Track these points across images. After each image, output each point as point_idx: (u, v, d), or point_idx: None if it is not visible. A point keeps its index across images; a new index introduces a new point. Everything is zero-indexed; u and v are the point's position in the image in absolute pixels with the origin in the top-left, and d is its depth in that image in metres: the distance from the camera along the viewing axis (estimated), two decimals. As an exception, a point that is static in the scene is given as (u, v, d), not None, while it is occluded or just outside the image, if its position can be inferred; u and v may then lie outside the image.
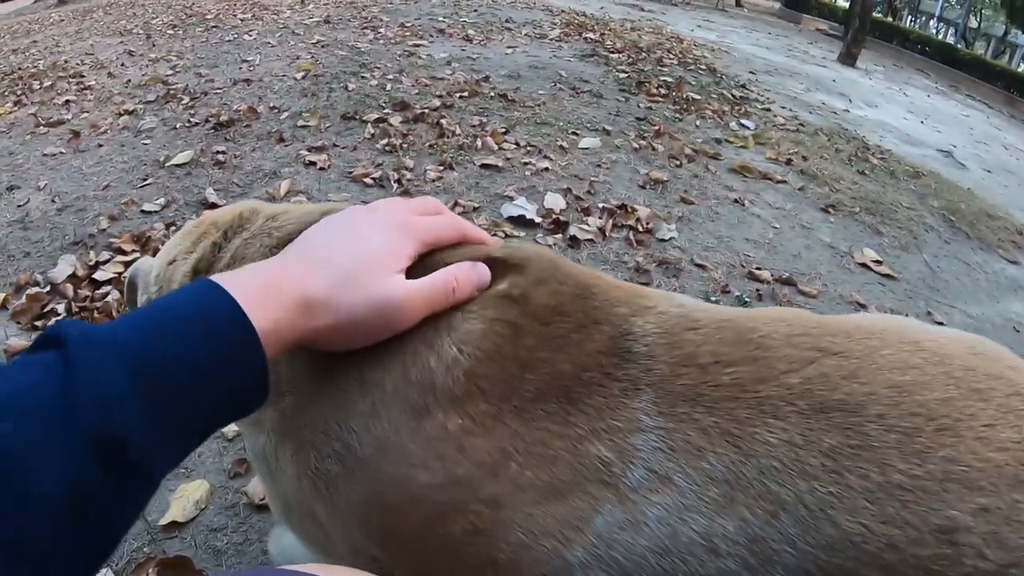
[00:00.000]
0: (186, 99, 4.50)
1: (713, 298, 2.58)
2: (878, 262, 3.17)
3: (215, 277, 0.52)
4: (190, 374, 0.46)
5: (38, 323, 2.28)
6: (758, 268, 2.83)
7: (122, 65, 5.93)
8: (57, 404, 0.40)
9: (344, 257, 0.60)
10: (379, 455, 0.66)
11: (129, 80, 5.29)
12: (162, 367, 0.45)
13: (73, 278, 2.50)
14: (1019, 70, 19.55)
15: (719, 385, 0.60)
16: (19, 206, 3.15)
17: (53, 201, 3.15)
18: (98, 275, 2.50)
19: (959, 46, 20.44)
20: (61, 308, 2.33)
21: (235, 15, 7.74)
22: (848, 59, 10.81)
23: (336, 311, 0.57)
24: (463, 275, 0.65)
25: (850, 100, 7.29)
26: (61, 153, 3.80)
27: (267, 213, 0.89)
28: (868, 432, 0.56)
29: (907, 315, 2.73)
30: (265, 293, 0.52)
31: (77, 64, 6.17)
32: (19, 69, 6.32)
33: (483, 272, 0.67)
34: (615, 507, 0.59)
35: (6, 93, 5.40)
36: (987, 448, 0.54)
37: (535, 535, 0.61)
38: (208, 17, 7.72)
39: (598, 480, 0.60)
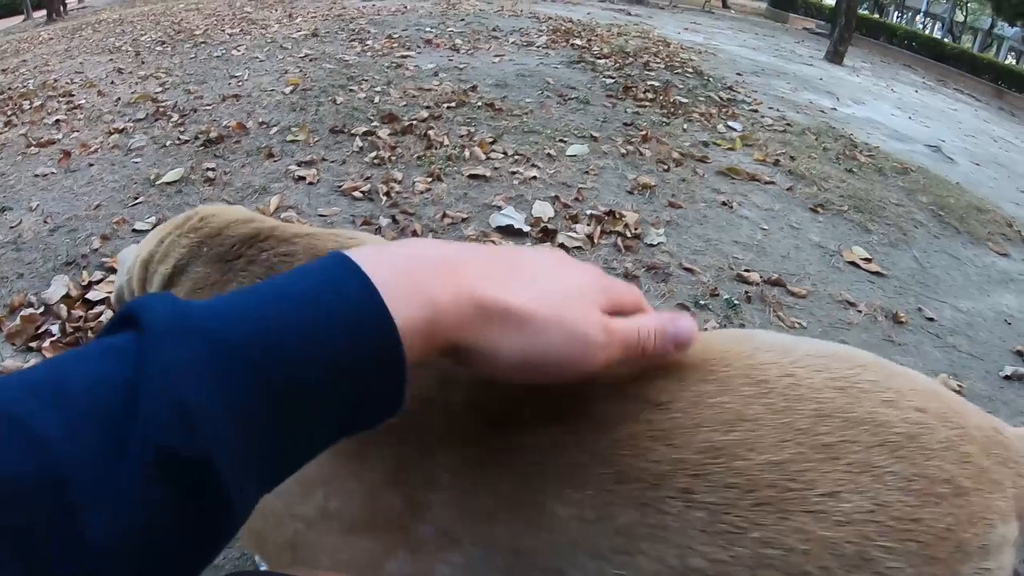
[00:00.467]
0: (175, 116, 4.51)
1: (702, 301, 2.59)
2: (867, 260, 3.18)
3: (352, 254, 0.41)
4: (306, 377, 0.37)
5: (33, 344, 2.28)
6: (747, 270, 2.84)
7: (111, 83, 5.93)
8: (120, 410, 0.32)
9: (542, 275, 0.48)
10: None
11: (119, 98, 5.29)
12: (271, 365, 0.36)
13: (67, 298, 2.50)
14: (1006, 63, 19.62)
15: (522, 446, 0.56)
16: (11, 227, 3.15)
17: (45, 222, 3.15)
18: (91, 295, 2.50)
19: (946, 40, 20.50)
20: (55, 329, 2.33)
21: (223, 30, 7.76)
22: (835, 57, 10.83)
23: (531, 328, 0.45)
24: (663, 328, 0.53)
25: (837, 98, 7.31)
26: (52, 173, 3.79)
27: (202, 213, 0.95)
28: (666, 510, 0.49)
29: (897, 312, 2.75)
30: (432, 274, 0.42)
31: (67, 83, 6.17)
32: (9, 89, 6.32)
33: (685, 330, 0.54)
34: (407, 557, 0.59)
35: (-5, 113, 5.40)
36: (820, 525, 0.47)
37: (339, 565, 0.61)
38: (196, 33, 7.74)
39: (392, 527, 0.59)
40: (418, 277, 0.41)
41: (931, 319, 2.83)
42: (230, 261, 0.85)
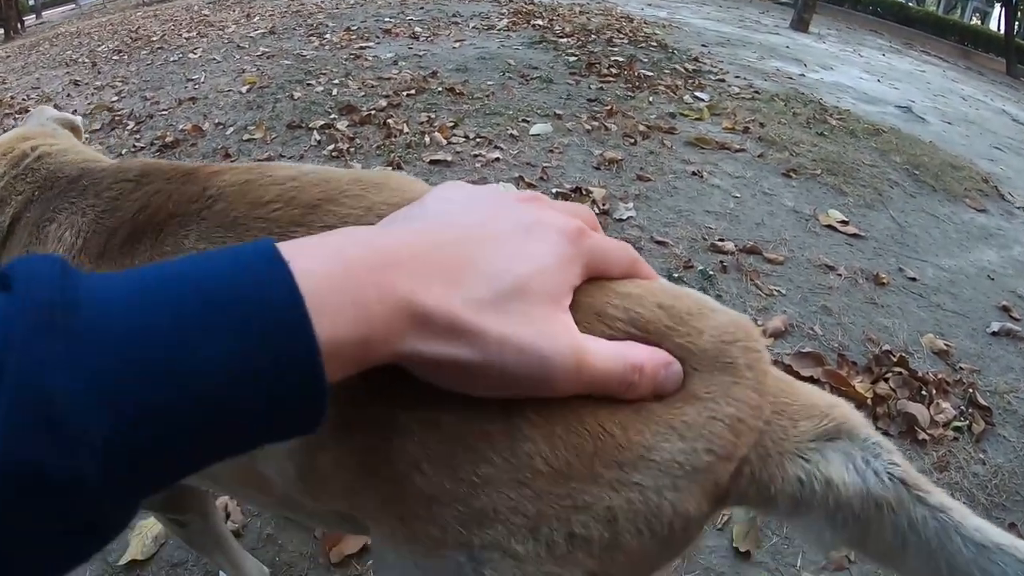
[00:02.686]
0: (131, 124, 4.40)
1: (676, 275, 2.50)
2: (844, 222, 3.11)
3: (284, 247, 0.34)
4: (198, 390, 0.30)
5: None
6: (721, 240, 2.76)
7: (68, 95, 5.82)
8: None
9: (499, 264, 0.39)
10: None
11: (75, 110, 5.14)
12: (160, 372, 0.29)
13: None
14: (971, 23, 19.71)
15: (261, 219, 0.62)
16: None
17: None
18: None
19: (910, 4, 20.57)
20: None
21: (180, 35, 7.62)
22: (800, 25, 10.80)
23: (477, 343, 0.37)
24: (652, 367, 0.43)
25: (805, 64, 7.26)
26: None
27: (39, 151, 0.95)
28: None
29: (878, 274, 2.68)
30: (368, 278, 0.35)
31: (23, 99, 6.04)
32: (-32, 107, 6.18)
33: (675, 374, 0.45)
34: None
35: (-45, 133, 5.26)
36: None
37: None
38: (153, 40, 7.58)
39: None
40: (352, 283, 0.34)
41: (913, 279, 2.77)
42: (47, 191, 0.88)
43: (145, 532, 1.58)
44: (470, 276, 0.38)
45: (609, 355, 0.42)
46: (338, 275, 0.34)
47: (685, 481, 0.45)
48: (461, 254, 0.38)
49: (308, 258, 0.34)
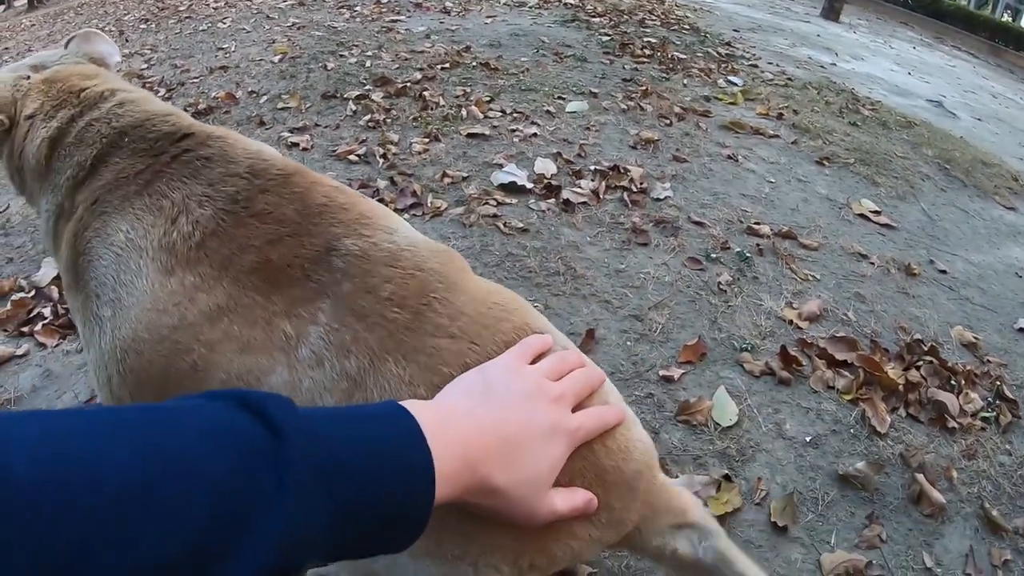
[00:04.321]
0: (163, 91, 4.40)
1: (714, 255, 2.53)
2: (876, 212, 3.12)
3: (426, 429, 0.53)
4: (373, 525, 0.48)
5: (24, 329, 2.20)
6: (756, 223, 2.78)
7: (94, 63, 5.81)
8: (268, 507, 0.39)
9: (531, 459, 0.62)
10: (139, 302, 0.86)
11: (104, 75, 5.18)
12: (353, 521, 0.46)
13: (57, 280, 2.41)
14: (1002, 20, 19.45)
15: (383, 317, 0.79)
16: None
17: (33, 206, 3.06)
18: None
19: (941, -2, 20.29)
20: (47, 311, 2.26)
21: (208, 4, 7.58)
22: (831, 14, 10.72)
23: (503, 499, 0.60)
24: (584, 503, 0.72)
25: (836, 54, 7.21)
26: (37, 155, 3.69)
27: (119, 98, 1.06)
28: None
29: (909, 264, 2.70)
30: (460, 467, 0.54)
31: (50, 67, 6.04)
32: (-8, 76, 6.20)
33: (594, 504, 0.74)
34: (284, 371, 0.79)
35: (-22, 102, 5.29)
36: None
37: (232, 378, 0.80)
38: (180, 9, 7.57)
39: (280, 348, 0.80)
40: (458, 465, 0.54)
41: (943, 271, 2.78)
42: (154, 156, 0.97)
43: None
44: (516, 466, 0.60)
45: (566, 504, 0.68)
46: (452, 458, 0.53)
47: (600, 533, 0.77)
48: (512, 451, 0.60)
49: (438, 443, 0.52)
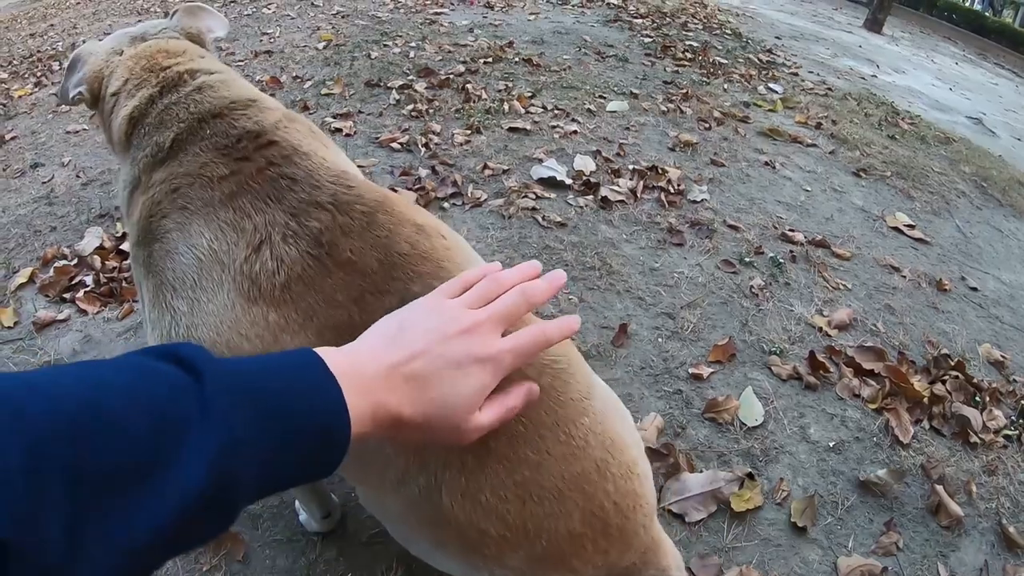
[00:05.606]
0: (207, 73, 4.46)
1: (747, 259, 2.56)
2: (911, 226, 3.13)
3: (336, 370, 0.55)
4: (293, 453, 0.51)
5: (66, 295, 2.29)
6: (791, 230, 2.81)
7: (140, 42, 5.90)
8: (195, 427, 0.44)
9: (443, 394, 0.63)
10: (219, 315, 0.88)
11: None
12: (270, 435, 0.49)
13: (100, 250, 2.51)
14: (1048, 38, 19.10)
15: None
16: (44, 183, 3.16)
17: (78, 176, 3.16)
18: (125, 246, 2.48)
19: (987, 14, 19.98)
20: (89, 280, 2.35)
21: (253, -12, 7.66)
22: (874, 25, 10.62)
23: (424, 432, 0.63)
24: (519, 400, 0.71)
25: (877, 66, 7.16)
26: (84, 129, 3.80)
27: (199, 82, 1.07)
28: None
29: (940, 280, 2.71)
30: (370, 404, 0.57)
31: (96, 44, 6.14)
32: (38, 52, 6.34)
33: (536, 393, 0.74)
34: None
35: (26, 75, 5.43)
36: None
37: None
38: (226, -9, 7.65)
39: None
40: (364, 388, 0.57)
41: (975, 289, 2.79)
42: (238, 160, 0.97)
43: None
44: (426, 400, 0.61)
45: (493, 418, 0.67)
46: (359, 394, 0.56)
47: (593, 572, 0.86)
48: (420, 387, 0.61)
49: (346, 381, 0.55)
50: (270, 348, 0.86)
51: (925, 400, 2.04)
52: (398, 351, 0.63)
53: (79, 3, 9.75)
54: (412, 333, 0.65)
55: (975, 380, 2.17)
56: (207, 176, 0.95)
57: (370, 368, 0.60)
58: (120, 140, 1.08)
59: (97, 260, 2.45)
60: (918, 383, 2.09)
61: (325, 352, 0.57)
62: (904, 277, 2.70)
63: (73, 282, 2.36)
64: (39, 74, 5.35)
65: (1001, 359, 2.37)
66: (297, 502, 1.53)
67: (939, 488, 1.76)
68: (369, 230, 0.90)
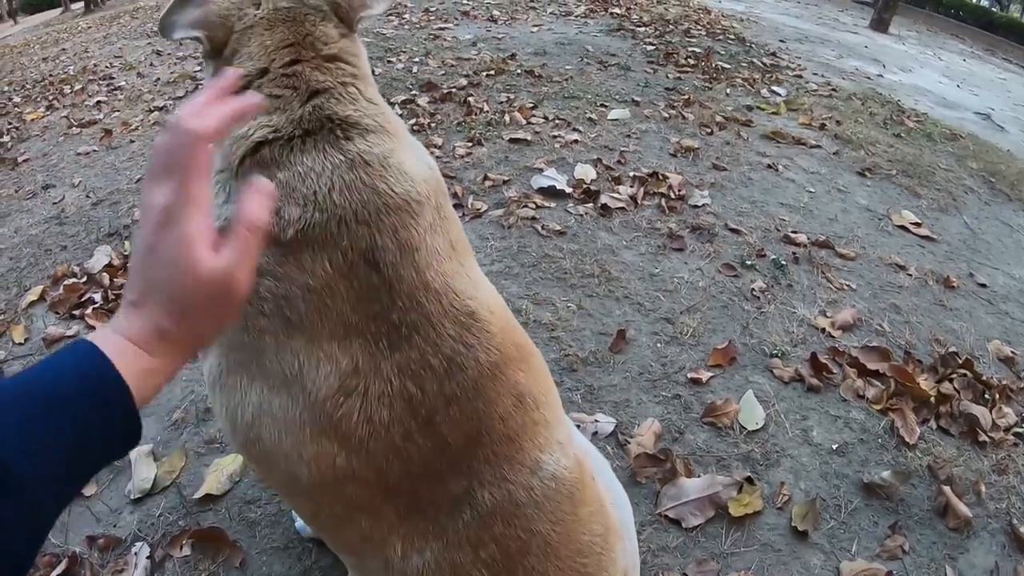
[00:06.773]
0: (216, 86, 4.52)
1: (749, 262, 2.55)
2: (917, 224, 3.10)
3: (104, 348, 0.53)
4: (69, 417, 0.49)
5: (76, 312, 2.34)
6: (794, 232, 2.79)
7: (151, 65, 6.03)
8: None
9: (157, 272, 0.57)
10: (283, 431, 0.81)
11: (158, 78, 5.37)
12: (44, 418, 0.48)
13: (109, 267, 2.56)
14: (1059, 32, 18.95)
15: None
16: (55, 203, 3.23)
17: (88, 196, 3.22)
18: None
19: (994, 10, 19.87)
20: (98, 296, 2.39)
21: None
22: (880, 25, 10.58)
23: (182, 315, 0.57)
24: (246, 217, 0.59)
25: (883, 65, 7.13)
26: (94, 151, 3.88)
27: (355, 153, 0.82)
28: None
29: (948, 277, 2.68)
30: (137, 362, 0.55)
31: (106, 67, 6.28)
32: (50, 76, 6.47)
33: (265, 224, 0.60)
34: (380, 566, 0.86)
35: (38, 99, 5.55)
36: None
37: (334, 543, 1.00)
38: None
39: (380, 555, 0.86)
40: (114, 329, 0.55)
41: (983, 285, 2.76)
42: (365, 301, 0.80)
43: (221, 469, 1.68)
44: (154, 288, 0.56)
45: (229, 245, 0.58)
46: (112, 333, 0.55)
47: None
48: (145, 285, 0.57)
49: (118, 355, 0.53)
50: (328, 485, 0.82)
51: (932, 399, 2.02)
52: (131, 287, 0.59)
53: (90, 27, 9.92)
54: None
55: (984, 377, 2.15)
56: (326, 304, 0.79)
57: (123, 327, 0.56)
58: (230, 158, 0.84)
59: (106, 277, 2.49)
60: (924, 382, 2.07)
61: (93, 334, 0.56)
62: (910, 275, 2.67)
63: (82, 299, 2.40)
64: (51, 97, 5.46)
65: (1012, 355, 2.34)
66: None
67: (946, 489, 1.73)
68: (471, 402, 0.82)
